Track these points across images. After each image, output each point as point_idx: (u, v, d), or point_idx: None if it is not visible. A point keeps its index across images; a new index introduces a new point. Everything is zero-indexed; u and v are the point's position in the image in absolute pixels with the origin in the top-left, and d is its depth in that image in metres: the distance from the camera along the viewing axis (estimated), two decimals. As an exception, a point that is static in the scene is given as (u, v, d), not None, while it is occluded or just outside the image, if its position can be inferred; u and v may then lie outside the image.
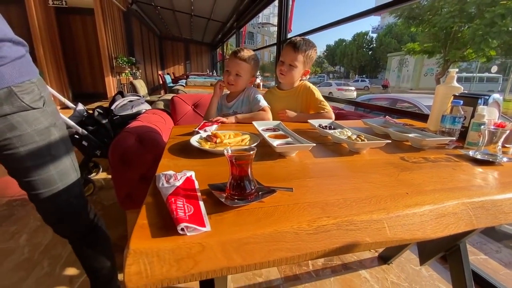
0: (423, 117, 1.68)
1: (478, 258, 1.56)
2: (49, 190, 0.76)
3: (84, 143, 1.94)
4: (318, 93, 1.38)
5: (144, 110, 2.10)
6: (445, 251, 1.11)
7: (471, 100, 0.99)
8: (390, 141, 0.78)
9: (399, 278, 1.36)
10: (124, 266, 0.34)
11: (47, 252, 1.47)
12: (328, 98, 3.40)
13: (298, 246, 0.39)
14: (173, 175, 0.54)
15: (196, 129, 1.01)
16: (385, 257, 1.45)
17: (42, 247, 1.51)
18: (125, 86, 6.71)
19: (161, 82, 7.73)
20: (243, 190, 0.47)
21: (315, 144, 0.70)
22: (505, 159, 0.75)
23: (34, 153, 0.71)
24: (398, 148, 0.86)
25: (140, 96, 2.28)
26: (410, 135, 0.91)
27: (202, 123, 1.11)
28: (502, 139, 0.74)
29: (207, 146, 0.76)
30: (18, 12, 5.56)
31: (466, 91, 1.08)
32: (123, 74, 6.75)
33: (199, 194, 0.48)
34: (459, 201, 0.50)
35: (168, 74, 9.35)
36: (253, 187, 0.48)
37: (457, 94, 1.04)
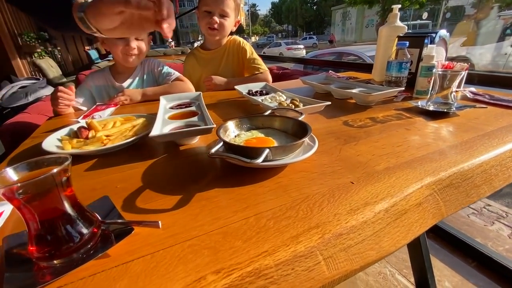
0: (369, 68, 1.57)
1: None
2: None
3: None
4: (251, 50, 1.13)
5: (44, 97, 1.65)
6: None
7: (416, 40, 0.85)
8: (329, 103, 0.60)
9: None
10: None
11: None
12: (279, 58, 3.17)
13: None
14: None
15: (79, 118, 0.72)
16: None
17: None
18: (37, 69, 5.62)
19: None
20: (63, 243, 0.24)
21: (214, 126, 0.48)
22: (461, 107, 0.63)
23: None
24: (342, 109, 0.70)
25: (38, 79, 1.80)
26: (353, 90, 0.74)
27: (92, 108, 0.82)
28: (456, 83, 0.61)
29: (69, 147, 0.50)
30: None
31: (410, 31, 0.94)
32: (35, 54, 5.58)
33: (-24, 264, 0.25)
34: (422, 183, 0.35)
35: (96, 48, 8.08)
36: (85, 231, 0.25)
37: (401, 34, 0.90)
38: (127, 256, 0.25)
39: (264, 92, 0.80)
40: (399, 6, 0.93)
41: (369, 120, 0.60)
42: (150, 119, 0.62)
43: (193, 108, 0.67)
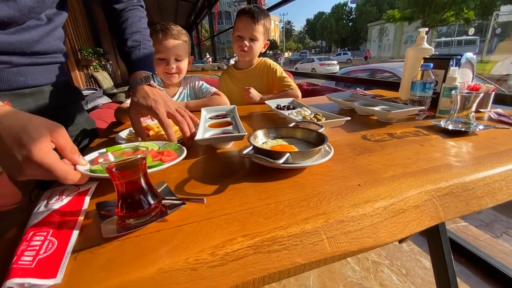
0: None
1: (458, 226, 1.53)
2: None
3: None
4: (280, 70, 1.24)
5: (101, 105, 1.91)
6: (423, 227, 1.05)
7: (442, 62, 0.88)
8: (349, 118, 0.67)
9: (379, 256, 1.31)
10: None
11: None
12: (309, 75, 3.25)
13: (197, 286, 0.28)
14: (60, 192, 0.41)
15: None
16: (366, 236, 1.39)
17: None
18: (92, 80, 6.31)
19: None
20: (138, 208, 0.35)
21: (246, 134, 0.57)
22: (480, 127, 0.66)
23: None
24: (363, 124, 0.75)
25: (96, 89, 2.08)
26: (375, 108, 0.80)
27: (145, 115, 0.97)
28: (475, 104, 0.64)
29: (137, 142, 0.63)
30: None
31: (438, 53, 0.97)
32: (91, 67, 6.32)
33: (81, 218, 0.36)
34: (421, 189, 0.40)
35: (141, 63, 8.84)
36: (152, 202, 0.36)
37: (427, 56, 0.93)
38: (179, 222, 0.35)
39: (291, 106, 0.89)
40: (426, 29, 0.97)
41: (386, 135, 0.65)
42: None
43: (228, 119, 0.77)
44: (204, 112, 0.84)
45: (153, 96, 0.59)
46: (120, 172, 0.33)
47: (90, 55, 6.10)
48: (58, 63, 0.67)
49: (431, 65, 0.83)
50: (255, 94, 1.17)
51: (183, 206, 0.37)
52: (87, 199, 0.41)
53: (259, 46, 1.20)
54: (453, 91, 0.67)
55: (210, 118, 0.81)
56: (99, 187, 0.45)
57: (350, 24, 39.74)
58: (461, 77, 0.86)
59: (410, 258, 1.30)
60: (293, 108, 0.87)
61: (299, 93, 1.16)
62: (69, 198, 0.40)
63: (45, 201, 0.40)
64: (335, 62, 18.77)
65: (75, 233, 0.33)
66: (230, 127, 0.69)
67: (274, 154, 0.45)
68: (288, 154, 0.44)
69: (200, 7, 7.85)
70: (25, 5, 0.50)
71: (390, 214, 0.37)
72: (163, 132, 0.67)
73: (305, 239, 0.32)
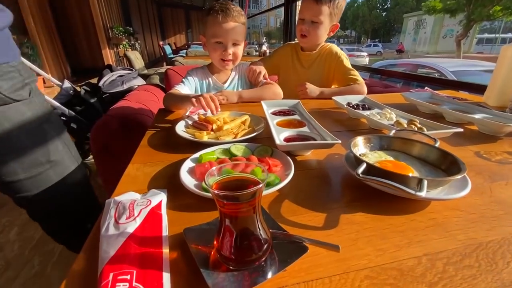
0: (451, 85, 1.37)
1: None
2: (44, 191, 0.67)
3: (73, 125, 1.74)
4: (347, 61, 1.09)
5: (136, 86, 1.85)
6: None
7: (561, 64, 0.71)
8: (461, 130, 0.54)
9: None
10: None
11: (38, 248, 1.35)
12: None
13: None
14: (129, 205, 0.33)
15: (187, 113, 0.78)
16: None
17: (34, 242, 1.39)
18: (124, 59, 6.36)
19: (162, 53, 7.31)
20: (245, 250, 0.25)
21: (339, 141, 0.46)
22: None
23: (26, 162, 0.60)
24: (464, 137, 0.62)
25: (131, 70, 2.02)
26: (476, 116, 0.66)
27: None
28: None
29: (204, 137, 0.54)
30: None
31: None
32: (121, 46, 6.35)
33: (165, 251, 0.27)
34: None
35: (168, 44, 8.84)
36: (264, 243, 0.26)
37: (538, 56, 0.76)
38: (304, 275, 0.25)
39: (366, 106, 0.76)
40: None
41: (508, 155, 0.52)
42: (253, 117, 0.66)
43: (297, 117, 0.66)
44: (265, 106, 0.73)
45: None
46: (231, 203, 0.24)
47: (121, 33, 6.12)
48: None
49: (551, 67, 0.67)
50: (313, 89, 1.03)
51: (304, 253, 0.27)
52: (165, 219, 0.32)
53: (323, 30, 1.04)
54: None
55: (273, 114, 0.70)
56: (169, 193, 0.36)
57: (384, 14, 37.50)
58: None
59: None
60: (369, 108, 0.74)
61: (365, 90, 1.01)
62: (142, 217, 0.31)
63: (112, 219, 0.31)
64: (365, 53, 17.87)
65: (166, 277, 0.24)
66: (305, 129, 0.58)
67: (402, 179, 0.34)
68: (426, 182, 0.32)
69: (231, -12, 7.59)
70: None
71: None
72: (226, 127, 0.57)
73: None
